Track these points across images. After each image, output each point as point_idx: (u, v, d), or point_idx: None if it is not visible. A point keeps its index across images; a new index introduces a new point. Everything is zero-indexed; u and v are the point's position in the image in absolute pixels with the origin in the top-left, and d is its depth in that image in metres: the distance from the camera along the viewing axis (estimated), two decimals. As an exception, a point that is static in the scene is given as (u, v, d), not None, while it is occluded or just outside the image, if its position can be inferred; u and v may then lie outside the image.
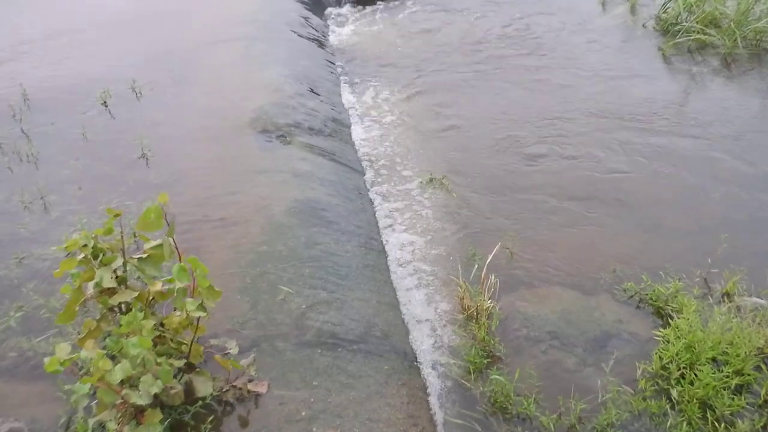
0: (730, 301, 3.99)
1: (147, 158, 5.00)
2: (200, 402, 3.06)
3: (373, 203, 5.13)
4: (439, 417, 3.42)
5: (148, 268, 2.86)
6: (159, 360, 2.66)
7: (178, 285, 2.76)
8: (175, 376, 2.99)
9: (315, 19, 8.43)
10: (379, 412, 3.20)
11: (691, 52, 7.24)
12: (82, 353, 2.55)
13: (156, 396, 2.79)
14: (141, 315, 2.74)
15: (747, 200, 4.99)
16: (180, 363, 3.01)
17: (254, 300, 3.70)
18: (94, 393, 2.71)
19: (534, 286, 4.25)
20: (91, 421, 2.72)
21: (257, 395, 3.16)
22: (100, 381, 2.54)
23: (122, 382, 2.63)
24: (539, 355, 3.76)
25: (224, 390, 3.13)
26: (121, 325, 2.69)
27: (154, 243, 2.88)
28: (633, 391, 3.49)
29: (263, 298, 3.72)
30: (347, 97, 6.85)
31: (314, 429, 3.04)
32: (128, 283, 3.05)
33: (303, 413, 3.10)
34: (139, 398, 2.58)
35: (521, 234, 4.71)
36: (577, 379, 3.59)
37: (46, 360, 2.56)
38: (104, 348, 2.77)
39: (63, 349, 2.59)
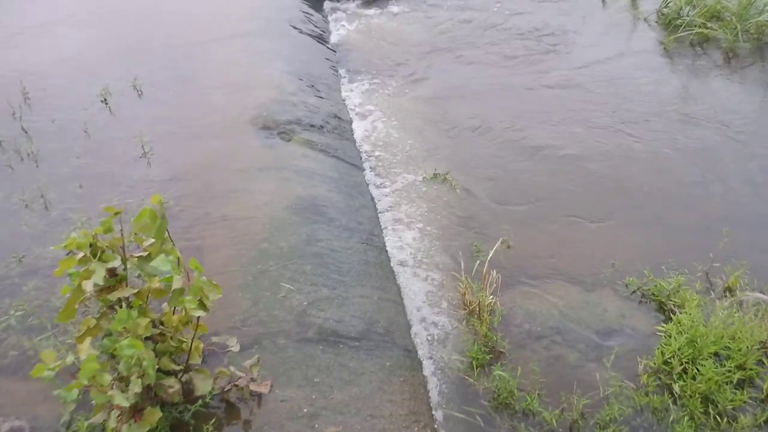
0: (732, 296, 3.98)
1: (148, 156, 4.99)
2: (200, 401, 3.06)
3: (374, 199, 5.12)
4: (441, 413, 3.42)
5: (148, 267, 2.85)
6: (146, 363, 2.65)
7: (175, 284, 2.76)
8: (175, 375, 2.99)
9: (316, 15, 8.40)
10: (381, 408, 3.19)
11: (693, 46, 7.21)
12: (67, 359, 2.54)
13: (155, 394, 2.79)
14: (135, 313, 2.74)
15: (749, 194, 4.98)
16: (178, 367, 3.01)
17: (255, 297, 3.70)
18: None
19: (536, 281, 4.24)
20: (87, 422, 2.73)
21: (259, 394, 3.16)
22: (93, 383, 2.54)
23: (121, 380, 2.63)
24: (541, 351, 3.75)
25: (226, 389, 3.13)
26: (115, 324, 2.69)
27: (150, 242, 2.87)
28: (635, 386, 3.49)
29: (264, 295, 3.72)
30: (348, 93, 6.83)
31: (316, 425, 3.04)
32: (129, 282, 3.04)
33: (305, 410, 3.10)
34: (124, 399, 2.58)
35: (523, 230, 4.70)
36: (580, 375, 3.59)
37: (36, 367, 2.57)
38: (101, 347, 2.77)
39: (49, 356, 2.59)
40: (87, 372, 2.51)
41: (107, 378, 2.55)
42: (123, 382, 2.64)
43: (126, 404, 2.58)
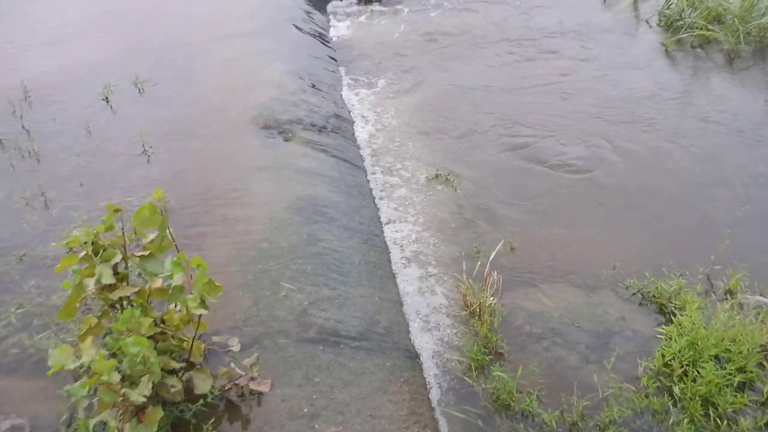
0: (733, 299, 3.97)
1: (148, 154, 4.99)
2: (201, 400, 3.05)
3: (374, 199, 5.11)
4: (441, 413, 3.42)
5: (149, 265, 2.85)
6: (152, 360, 2.65)
7: (176, 282, 2.75)
8: (176, 374, 2.99)
9: (317, 15, 8.41)
10: (382, 408, 3.19)
11: (694, 48, 7.21)
12: (84, 359, 2.53)
13: (157, 393, 2.79)
14: (138, 312, 2.73)
15: (750, 196, 4.97)
16: (179, 364, 3.01)
17: (256, 297, 3.70)
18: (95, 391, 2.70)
19: (537, 282, 4.24)
20: (92, 422, 2.72)
21: (259, 393, 3.15)
22: (100, 381, 2.53)
23: (123, 379, 2.63)
24: (542, 352, 3.75)
25: (227, 388, 3.13)
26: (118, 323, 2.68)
27: (151, 237, 2.87)
28: (635, 389, 3.49)
29: (265, 294, 3.72)
30: (349, 92, 6.83)
31: (316, 425, 3.03)
32: (129, 280, 3.04)
33: (305, 410, 3.10)
34: (138, 396, 2.58)
35: (524, 231, 4.70)
36: (580, 376, 3.59)
37: (50, 362, 2.55)
38: (104, 345, 2.76)
39: (65, 352, 2.57)
40: (103, 369, 2.50)
41: (117, 376, 2.55)
42: (127, 380, 2.64)
43: (141, 401, 2.58)
